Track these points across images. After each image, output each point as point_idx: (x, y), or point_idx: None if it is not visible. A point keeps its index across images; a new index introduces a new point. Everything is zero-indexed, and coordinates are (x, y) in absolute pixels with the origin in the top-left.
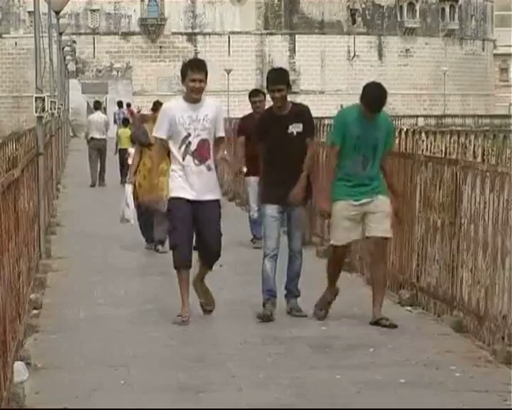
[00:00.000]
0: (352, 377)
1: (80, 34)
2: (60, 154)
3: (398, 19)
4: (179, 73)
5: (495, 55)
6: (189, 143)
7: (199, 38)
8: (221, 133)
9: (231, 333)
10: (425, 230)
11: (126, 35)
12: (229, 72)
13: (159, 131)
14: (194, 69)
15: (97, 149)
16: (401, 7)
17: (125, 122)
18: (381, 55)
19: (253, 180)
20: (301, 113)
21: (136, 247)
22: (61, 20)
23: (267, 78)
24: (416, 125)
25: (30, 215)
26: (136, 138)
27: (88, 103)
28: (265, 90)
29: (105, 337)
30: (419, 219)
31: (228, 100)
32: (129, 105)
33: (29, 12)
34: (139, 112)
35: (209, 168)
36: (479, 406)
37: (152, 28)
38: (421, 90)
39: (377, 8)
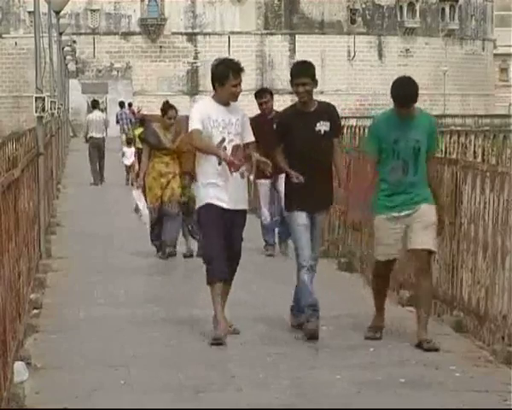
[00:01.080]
0: (352, 377)
1: (80, 34)
2: (60, 154)
3: (398, 19)
4: (179, 73)
5: (495, 55)
6: (225, 148)
7: (199, 37)
8: (251, 138)
9: (231, 333)
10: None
11: (126, 35)
12: None
13: (196, 124)
14: (236, 74)
15: (96, 147)
16: (401, 7)
17: (142, 122)
18: (381, 55)
19: (263, 184)
20: (329, 110)
21: (136, 247)
22: (61, 20)
23: (291, 71)
24: None
25: (30, 215)
26: (145, 139)
27: (88, 103)
28: (265, 90)
29: (105, 337)
30: None
31: None
32: (130, 105)
33: (29, 12)
34: (139, 112)
35: (242, 175)
36: (479, 406)
37: (152, 28)
38: (421, 90)
39: (377, 8)
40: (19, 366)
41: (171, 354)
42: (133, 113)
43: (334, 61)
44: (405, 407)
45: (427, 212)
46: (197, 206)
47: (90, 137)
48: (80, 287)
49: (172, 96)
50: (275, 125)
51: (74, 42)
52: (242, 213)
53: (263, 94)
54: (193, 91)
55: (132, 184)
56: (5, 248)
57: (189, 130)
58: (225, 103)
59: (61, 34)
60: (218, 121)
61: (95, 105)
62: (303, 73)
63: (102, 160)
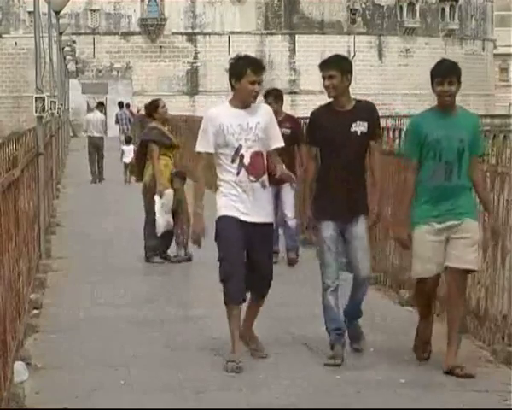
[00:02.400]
0: (352, 378)
1: (80, 34)
2: (60, 154)
3: (398, 19)
4: (179, 73)
5: (495, 55)
6: (242, 156)
7: (199, 37)
8: (278, 143)
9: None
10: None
11: (126, 35)
12: None
13: (205, 145)
14: (256, 70)
15: (95, 146)
16: (401, 7)
17: (142, 122)
18: (381, 55)
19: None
20: (368, 110)
21: (136, 247)
22: (61, 20)
23: (319, 65)
24: None
25: (30, 215)
26: (156, 139)
27: (88, 103)
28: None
29: (105, 337)
30: None
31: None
32: (128, 105)
33: (29, 12)
34: (138, 112)
35: (264, 185)
36: (479, 406)
37: (152, 28)
38: (422, 90)
39: (377, 8)
40: (19, 366)
41: (171, 354)
42: (131, 113)
43: None
44: (405, 406)
45: (471, 228)
46: (216, 217)
47: (89, 136)
48: (80, 287)
49: (172, 96)
50: (305, 127)
51: (74, 42)
52: (266, 227)
53: (267, 96)
54: (193, 91)
55: (130, 182)
56: (5, 249)
57: (198, 142)
58: (243, 105)
59: (60, 34)
60: (233, 127)
61: (99, 106)
62: (330, 64)
63: (101, 159)
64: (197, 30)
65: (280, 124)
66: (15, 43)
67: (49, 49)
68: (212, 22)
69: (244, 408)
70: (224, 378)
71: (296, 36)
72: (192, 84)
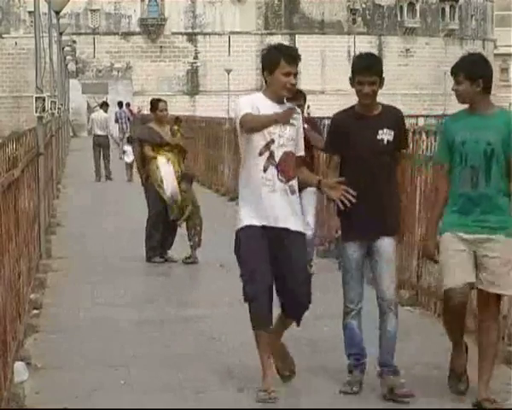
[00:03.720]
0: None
1: (80, 34)
2: (60, 154)
3: (399, 19)
4: (179, 73)
5: (495, 55)
6: (272, 152)
7: (199, 37)
8: (301, 152)
9: (231, 333)
10: (425, 230)
11: (126, 35)
12: (229, 72)
13: (246, 110)
14: (291, 60)
15: (99, 144)
16: (401, 7)
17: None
18: (381, 55)
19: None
20: (394, 116)
21: (136, 247)
22: (62, 20)
23: (353, 65)
24: (417, 125)
25: (30, 215)
26: (146, 138)
27: (88, 103)
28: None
29: (105, 337)
30: (419, 219)
31: (228, 100)
32: (128, 105)
33: (29, 12)
34: (139, 112)
35: (293, 191)
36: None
37: (152, 28)
38: (422, 89)
39: (377, 8)
40: (19, 366)
41: (171, 354)
42: (131, 112)
43: (334, 61)
44: (405, 407)
45: (505, 246)
46: (235, 228)
47: (94, 135)
48: (80, 287)
49: (172, 96)
50: (327, 132)
51: (74, 42)
52: (296, 236)
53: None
54: (193, 91)
55: (132, 180)
56: (5, 249)
57: (238, 118)
58: (278, 99)
59: (61, 34)
60: None
61: (103, 105)
62: (371, 69)
63: (108, 158)
64: (197, 30)
65: None
66: (16, 43)
67: (49, 49)
68: (212, 22)
69: (244, 408)
70: (223, 378)
71: (296, 36)
72: (192, 84)
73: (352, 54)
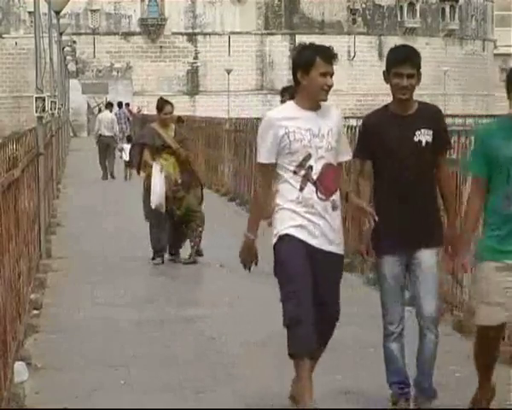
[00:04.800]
0: (353, 378)
1: (80, 34)
2: (60, 154)
3: (399, 19)
4: (179, 73)
5: (495, 55)
6: (310, 167)
7: (199, 38)
8: (347, 155)
9: (231, 333)
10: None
11: (126, 35)
12: (229, 72)
13: (264, 156)
14: (327, 58)
15: (106, 144)
16: (401, 7)
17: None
18: (381, 55)
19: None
20: (431, 114)
21: (136, 247)
22: (62, 21)
23: (389, 57)
24: None
25: (30, 215)
26: (146, 142)
27: (88, 103)
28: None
29: (105, 337)
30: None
31: (228, 100)
32: (128, 105)
33: (29, 12)
34: (139, 112)
35: (335, 206)
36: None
37: (152, 28)
38: (422, 90)
39: (377, 8)
40: (19, 366)
41: (171, 354)
42: (130, 112)
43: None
44: (406, 407)
45: None
46: (272, 241)
47: (100, 135)
48: (80, 287)
49: (172, 96)
50: (358, 134)
51: (74, 42)
52: (335, 258)
53: (282, 93)
54: (193, 91)
55: (130, 179)
56: (5, 249)
57: (257, 158)
58: (313, 106)
59: (61, 34)
60: (301, 132)
61: (108, 106)
62: (410, 60)
63: (112, 157)
64: (197, 30)
65: None
66: (16, 43)
67: (49, 50)
68: (212, 22)
69: (244, 408)
70: (223, 378)
71: (296, 36)
72: (192, 85)
73: (352, 54)
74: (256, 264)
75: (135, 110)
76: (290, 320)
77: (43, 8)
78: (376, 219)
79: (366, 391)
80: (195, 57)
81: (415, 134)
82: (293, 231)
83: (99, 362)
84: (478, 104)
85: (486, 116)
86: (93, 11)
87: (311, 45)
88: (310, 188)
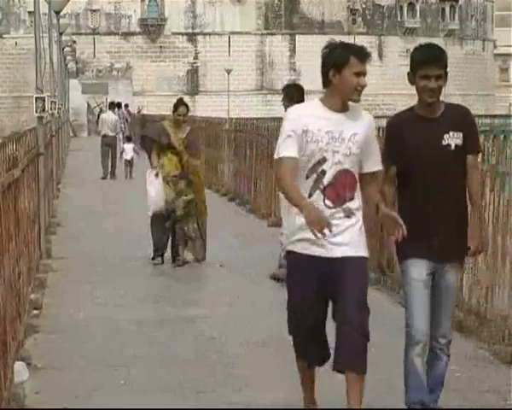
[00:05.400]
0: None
1: (80, 34)
2: (60, 154)
3: (399, 19)
4: (179, 73)
5: (495, 55)
6: (323, 172)
7: (199, 38)
8: (376, 165)
9: (231, 333)
10: None
11: (126, 35)
12: (229, 72)
13: (287, 149)
14: (361, 58)
15: (108, 144)
16: (401, 7)
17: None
18: (381, 55)
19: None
20: (460, 115)
21: (136, 247)
22: (62, 21)
23: (414, 58)
24: None
25: (30, 215)
26: (152, 136)
27: (88, 103)
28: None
29: (105, 337)
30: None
31: (228, 100)
32: (127, 106)
33: (29, 12)
34: (139, 112)
35: (349, 214)
36: (479, 406)
37: (152, 28)
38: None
39: (377, 8)
40: (19, 366)
41: (171, 354)
42: (129, 113)
43: None
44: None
45: None
46: (284, 244)
47: (103, 135)
48: (80, 287)
49: (172, 96)
50: (385, 139)
51: (74, 42)
52: (352, 261)
53: (284, 91)
54: (193, 91)
55: (129, 177)
56: (5, 249)
57: (276, 154)
58: (340, 107)
59: (61, 34)
60: (321, 134)
61: (110, 106)
62: (437, 60)
63: (115, 157)
64: (197, 30)
65: None
66: (16, 43)
67: (49, 50)
68: (212, 22)
69: (244, 408)
70: (224, 378)
71: (296, 36)
72: (192, 84)
73: None
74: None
75: (135, 110)
76: (290, 333)
77: (43, 8)
78: (405, 233)
79: (366, 391)
80: (195, 57)
81: (443, 138)
82: (298, 248)
83: (99, 362)
84: (478, 104)
85: (486, 116)
86: (93, 11)
87: (344, 44)
88: (318, 195)
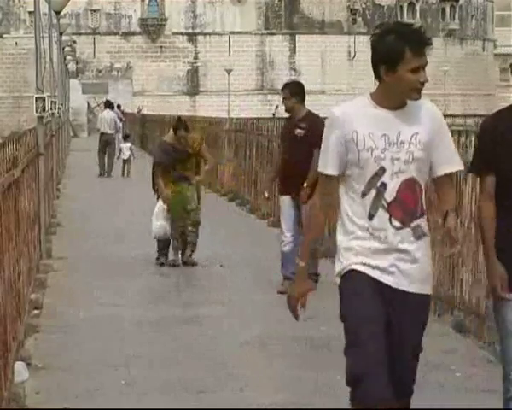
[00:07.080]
0: None
1: (80, 34)
2: (60, 154)
3: (399, 19)
4: (179, 73)
5: (495, 55)
6: (383, 185)
7: (199, 38)
8: (453, 165)
9: (231, 333)
10: None
11: (127, 35)
12: (229, 72)
13: (326, 164)
14: (419, 50)
15: (106, 141)
16: (401, 7)
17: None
18: None
19: (284, 200)
20: None
21: (136, 246)
22: (62, 21)
23: None
24: None
25: (30, 215)
26: (164, 160)
27: (88, 103)
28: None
29: (105, 337)
30: None
31: (228, 100)
32: (119, 106)
33: (29, 12)
34: (139, 112)
35: (419, 234)
36: (479, 406)
37: (152, 28)
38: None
39: (377, 8)
40: (19, 366)
41: (171, 354)
42: (123, 113)
43: (334, 61)
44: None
45: None
46: (336, 275)
47: (102, 133)
48: (80, 287)
49: (172, 96)
50: (476, 141)
51: (74, 42)
52: (419, 300)
53: (283, 89)
54: (193, 91)
55: (126, 175)
56: (5, 249)
57: (318, 166)
58: (395, 105)
59: (61, 34)
60: (374, 138)
61: (107, 104)
62: None
63: (112, 155)
64: (197, 30)
65: (297, 125)
66: (16, 43)
67: (49, 49)
68: (212, 22)
69: (244, 408)
70: (224, 378)
71: (296, 36)
72: (192, 84)
73: (352, 54)
74: (303, 306)
75: (135, 110)
76: (349, 374)
77: (44, 8)
78: (504, 296)
79: None
80: (195, 57)
81: None
82: (361, 268)
83: (99, 362)
84: (478, 104)
85: (486, 116)
86: (93, 11)
87: (397, 29)
88: (382, 215)
